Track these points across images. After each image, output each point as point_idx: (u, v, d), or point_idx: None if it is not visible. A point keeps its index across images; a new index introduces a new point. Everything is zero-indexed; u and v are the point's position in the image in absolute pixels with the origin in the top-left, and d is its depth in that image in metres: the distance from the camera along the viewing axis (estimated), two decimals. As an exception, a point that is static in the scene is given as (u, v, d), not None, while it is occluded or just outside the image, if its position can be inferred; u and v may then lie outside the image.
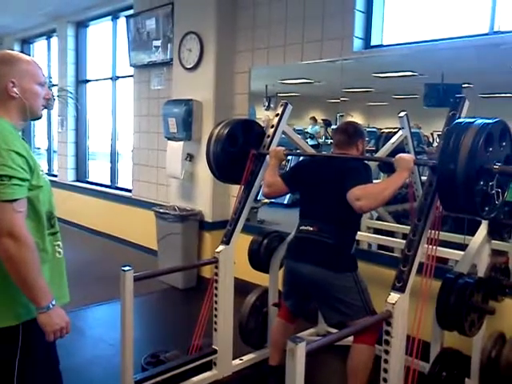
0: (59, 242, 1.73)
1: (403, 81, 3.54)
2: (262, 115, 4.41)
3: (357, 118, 3.85)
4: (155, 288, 4.47)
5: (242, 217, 2.90)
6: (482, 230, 2.55)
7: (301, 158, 3.13)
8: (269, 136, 2.99)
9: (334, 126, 4.01)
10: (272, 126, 3.01)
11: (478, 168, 1.84)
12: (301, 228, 2.59)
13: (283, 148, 2.86)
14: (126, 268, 2.38)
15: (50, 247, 1.67)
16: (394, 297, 1.96)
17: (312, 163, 2.81)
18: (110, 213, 6.21)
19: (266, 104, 4.37)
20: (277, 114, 3.03)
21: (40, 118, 1.76)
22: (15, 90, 1.61)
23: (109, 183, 6.59)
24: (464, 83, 3.09)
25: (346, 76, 3.78)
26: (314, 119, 4.23)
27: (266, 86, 4.39)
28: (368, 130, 3.80)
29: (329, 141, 4.06)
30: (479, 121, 1.90)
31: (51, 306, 1.55)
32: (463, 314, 2.09)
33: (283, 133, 3.06)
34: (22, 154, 1.52)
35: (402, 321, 1.96)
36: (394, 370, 1.95)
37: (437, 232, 2.14)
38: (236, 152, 2.93)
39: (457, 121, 2.01)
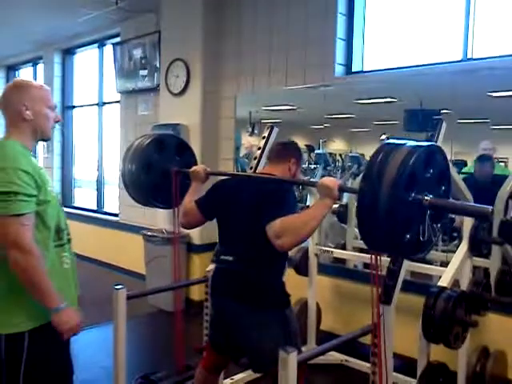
0: (66, 254, 1.83)
1: (384, 107, 3.65)
2: (246, 141, 4.51)
3: (340, 144, 3.97)
4: (144, 311, 4.49)
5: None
6: (463, 246, 2.64)
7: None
8: (256, 158, 3.08)
9: (317, 151, 4.12)
10: (259, 148, 3.10)
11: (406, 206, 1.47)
12: (221, 258, 2.23)
13: (203, 166, 2.51)
14: (119, 286, 2.41)
15: (57, 258, 1.78)
16: (380, 308, 2.03)
17: (229, 183, 2.38)
18: (96, 237, 6.20)
19: (250, 130, 4.46)
20: (263, 137, 3.13)
21: (50, 139, 1.89)
22: (28, 112, 1.74)
23: (95, 208, 6.61)
24: (442, 109, 3.20)
25: (329, 102, 3.90)
26: (297, 145, 4.32)
27: (250, 112, 4.49)
28: (351, 155, 3.91)
29: (312, 165, 4.15)
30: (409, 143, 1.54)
31: (61, 308, 1.67)
32: (448, 326, 2.16)
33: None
34: (29, 172, 1.64)
35: (389, 333, 2.03)
36: (382, 381, 2.01)
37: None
38: (157, 176, 2.63)
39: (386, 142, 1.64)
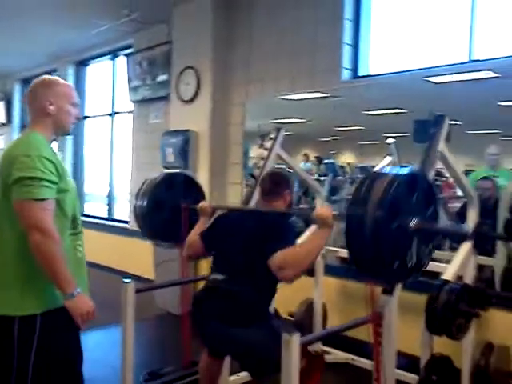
0: (80, 242, 1.91)
1: (392, 118, 3.61)
2: (256, 153, 4.57)
3: (349, 157, 4.00)
4: (152, 313, 4.55)
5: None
6: (467, 242, 2.66)
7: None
8: (263, 158, 3.15)
9: (326, 160, 4.15)
10: (266, 149, 3.17)
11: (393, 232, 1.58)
12: (209, 278, 2.28)
13: (208, 202, 2.76)
14: (127, 280, 2.47)
15: (71, 246, 1.85)
16: (383, 299, 2.06)
17: (231, 215, 2.55)
18: (106, 244, 6.27)
19: (260, 142, 4.53)
20: (271, 138, 3.21)
21: (69, 134, 1.99)
22: (51, 108, 1.85)
23: (105, 216, 6.70)
24: (451, 120, 3.18)
25: (337, 113, 3.92)
26: (306, 156, 4.37)
27: (259, 125, 4.58)
28: (360, 165, 3.93)
29: (321, 178, 4.17)
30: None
31: (76, 293, 1.72)
32: (450, 317, 2.18)
33: (279, 157, 3.21)
34: (51, 160, 1.74)
35: (392, 322, 2.06)
36: (386, 370, 2.04)
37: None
38: (169, 212, 2.95)
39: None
